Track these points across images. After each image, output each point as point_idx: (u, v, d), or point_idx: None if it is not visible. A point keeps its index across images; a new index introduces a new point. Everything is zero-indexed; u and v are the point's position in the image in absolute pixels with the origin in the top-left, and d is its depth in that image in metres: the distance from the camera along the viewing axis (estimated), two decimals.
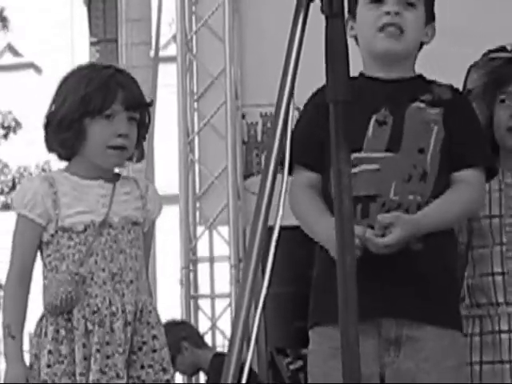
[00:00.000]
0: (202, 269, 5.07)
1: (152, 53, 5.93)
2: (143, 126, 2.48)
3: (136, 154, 2.49)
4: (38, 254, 2.42)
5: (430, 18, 2.35)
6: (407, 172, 2.22)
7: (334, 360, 1.95)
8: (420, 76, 2.34)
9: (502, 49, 2.47)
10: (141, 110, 2.45)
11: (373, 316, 2.11)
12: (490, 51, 2.65)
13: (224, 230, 4.99)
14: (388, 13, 2.29)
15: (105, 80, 2.40)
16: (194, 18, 5.02)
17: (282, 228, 1.32)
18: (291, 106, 1.38)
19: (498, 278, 2.22)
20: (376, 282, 2.01)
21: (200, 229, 4.99)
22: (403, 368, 2.17)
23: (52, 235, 2.38)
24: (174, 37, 5.90)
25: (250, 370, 4.80)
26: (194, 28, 4.99)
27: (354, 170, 2.18)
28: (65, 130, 2.39)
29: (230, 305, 4.84)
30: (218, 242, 5.08)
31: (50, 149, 2.46)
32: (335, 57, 1.42)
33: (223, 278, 5.02)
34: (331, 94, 1.42)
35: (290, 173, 2.27)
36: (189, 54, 4.98)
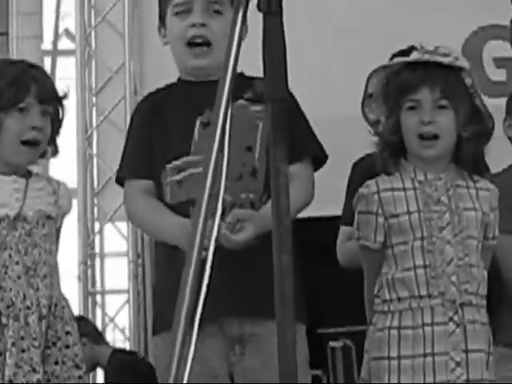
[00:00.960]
0: (100, 264, 5.01)
1: (44, 46, 5.80)
2: (57, 120, 2.43)
3: (50, 149, 2.44)
4: None
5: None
6: (238, 170, 2.19)
7: None
8: (241, 74, 2.24)
9: (410, 49, 2.46)
10: (54, 104, 2.40)
11: (215, 316, 2.06)
12: (394, 55, 2.67)
13: (122, 226, 4.93)
14: (194, 25, 2.31)
15: (18, 74, 2.37)
16: (93, 12, 4.95)
17: None
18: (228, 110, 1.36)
19: (420, 272, 2.23)
20: (216, 281, 1.90)
21: (98, 224, 4.92)
22: (249, 366, 2.17)
23: None
24: (66, 30, 5.82)
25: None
26: (93, 22, 4.91)
27: (183, 175, 2.20)
28: None
29: (128, 301, 4.77)
30: (116, 238, 5.03)
31: None
32: (272, 55, 1.40)
33: (121, 273, 4.96)
34: (268, 93, 1.40)
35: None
36: (88, 49, 4.90)
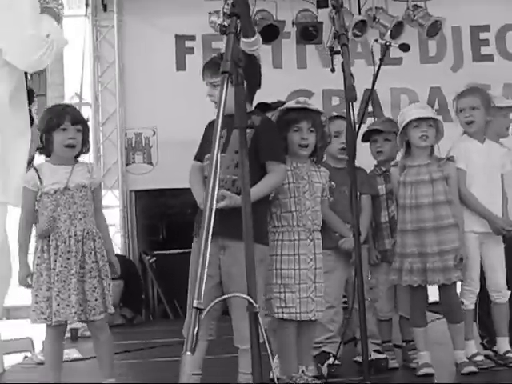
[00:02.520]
0: None
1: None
2: (85, 134, 4.08)
3: (84, 150, 4.10)
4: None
5: None
6: (229, 164, 3.73)
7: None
8: (249, 112, 3.85)
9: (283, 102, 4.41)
10: (82, 124, 4.07)
11: (216, 235, 3.41)
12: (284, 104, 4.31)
13: None
14: None
15: (59, 109, 4.08)
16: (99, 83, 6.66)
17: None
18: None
19: (294, 213, 3.97)
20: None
21: None
22: (227, 264, 3.67)
23: (40, 196, 3.98)
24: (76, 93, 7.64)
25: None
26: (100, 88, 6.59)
27: (206, 162, 3.83)
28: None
29: None
30: None
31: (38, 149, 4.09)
32: (239, 105, 2.70)
33: None
34: (238, 123, 2.70)
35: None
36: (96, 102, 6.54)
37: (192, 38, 8.17)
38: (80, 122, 4.02)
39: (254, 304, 2.60)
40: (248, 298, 2.60)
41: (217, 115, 2.54)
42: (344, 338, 4.52)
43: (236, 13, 2.74)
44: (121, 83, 8.11)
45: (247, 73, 2.90)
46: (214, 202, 2.47)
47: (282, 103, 4.39)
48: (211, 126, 4.03)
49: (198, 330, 2.30)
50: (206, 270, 2.40)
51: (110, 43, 8.17)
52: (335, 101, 8.12)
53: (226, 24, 7.55)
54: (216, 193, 2.48)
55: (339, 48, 3.49)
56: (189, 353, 2.24)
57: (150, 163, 8.20)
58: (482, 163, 4.57)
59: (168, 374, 4.47)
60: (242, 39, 2.85)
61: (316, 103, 4.48)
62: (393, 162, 4.74)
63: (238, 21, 2.72)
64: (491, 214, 4.54)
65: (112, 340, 4.03)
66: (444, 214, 4.39)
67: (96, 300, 3.85)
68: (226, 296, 3.46)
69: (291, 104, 4.15)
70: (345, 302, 5.01)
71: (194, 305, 2.33)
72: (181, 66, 8.20)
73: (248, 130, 3.60)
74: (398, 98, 8.18)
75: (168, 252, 8.67)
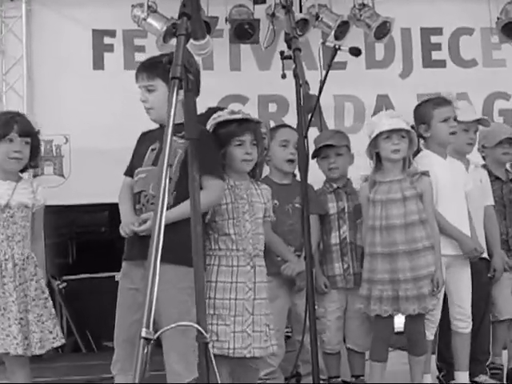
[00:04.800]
0: None
1: None
2: (34, 148, 4.20)
3: (32, 164, 4.26)
4: None
5: None
6: None
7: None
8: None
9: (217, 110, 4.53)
10: (32, 137, 4.17)
11: (138, 259, 3.76)
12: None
13: None
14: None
15: (6, 118, 4.10)
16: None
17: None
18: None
19: (233, 236, 4.06)
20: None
21: None
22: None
23: None
24: None
25: None
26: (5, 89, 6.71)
27: (139, 176, 3.99)
28: None
29: None
30: None
31: None
32: (189, 114, 2.80)
33: None
34: (188, 134, 2.80)
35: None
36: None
37: (112, 33, 8.17)
38: (29, 135, 4.14)
39: (204, 334, 2.68)
40: (198, 327, 2.67)
41: (167, 125, 2.61)
42: (292, 372, 4.63)
43: (186, 13, 2.83)
44: (29, 82, 8.01)
45: None
46: (163, 223, 2.54)
47: (214, 110, 4.48)
48: (145, 137, 4.13)
49: (146, 363, 2.36)
50: (154, 295, 2.47)
51: (17, 36, 8.09)
52: (272, 107, 8.18)
53: (146, 18, 7.61)
54: (164, 212, 2.56)
55: (291, 52, 3.62)
56: None
57: (62, 175, 8.13)
58: (447, 180, 4.71)
59: None
60: (192, 41, 2.91)
61: (251, 110, 4.62)
62: (362, 177, 4.85)
63: (189, 22, 2.81)
64: (462, 234, 4.67)
65: (30, 378, 4.04)
66: (418, 235, 4.48)
67: (41, 332, 3.87)
68: (172, 326, 3.53)
69: (228, 115, 4.23)
70: (287, 333, 5.12)
71: (143, 334, 2.40)
72: (98, 64, 8.18)
73: (181, 141, 3.70)
74: (342, 106, 8.28)
75: (79, 277, 8.66)
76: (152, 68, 3.96)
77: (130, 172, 4.07)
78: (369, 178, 4.66)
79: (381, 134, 4.52)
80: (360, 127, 7.58)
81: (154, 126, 4.08)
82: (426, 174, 4.58)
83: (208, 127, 4.20)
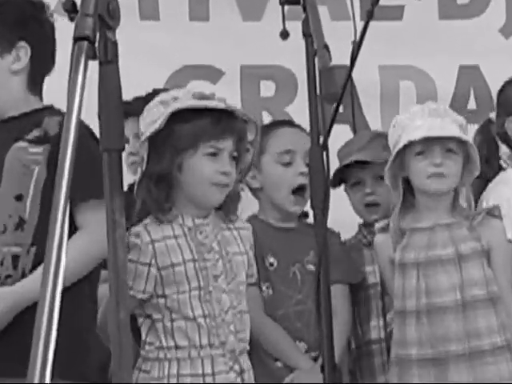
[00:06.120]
0: None
1: None
2: None
3: None
4: None
5: None
6: (2, 223, 2.28)
7: None
8: (37, 110, 2.42)
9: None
10: None
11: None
12: None
13: None
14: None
15: None
16: None
17: None
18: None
19: (201, 321, 2.50)
20: None
21: None
22: None
23: None
24: None
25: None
26: None
27: None
28: None
29: None
30: None
31: None
32: (108, 105, 1.55)
33: None
34: (105, 143, 1.54)
35: None
36: None
37: None
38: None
39: None
40: None
41: (66, 119, 1.34)
42: None
43: None
44: None
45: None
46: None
47: (157, 92, 2.87)
48: None
49: None
50: None
51: None
52: (266, 89, 4.74)
53: None
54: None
55: None
56: None
57: None
58: None
59: None
60: None
61: (228, 93, 3.01)
62: (378, 225, 3.02)
63: None
64: None
65: None
66: (483, 325, 2.73)
67: None
68: None
69: (194, 100, 2.57)
70: None
71: None
72: None
73: (35, 149, 2.37)
74: (395, 87, 4.76)
75: None
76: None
77: None
78: (391, 226, 2.87)
79: (411, 145, 2.79)
80: None
81: None
82: (493, 212, 2.85)
83: (156, 119, 2.54)
